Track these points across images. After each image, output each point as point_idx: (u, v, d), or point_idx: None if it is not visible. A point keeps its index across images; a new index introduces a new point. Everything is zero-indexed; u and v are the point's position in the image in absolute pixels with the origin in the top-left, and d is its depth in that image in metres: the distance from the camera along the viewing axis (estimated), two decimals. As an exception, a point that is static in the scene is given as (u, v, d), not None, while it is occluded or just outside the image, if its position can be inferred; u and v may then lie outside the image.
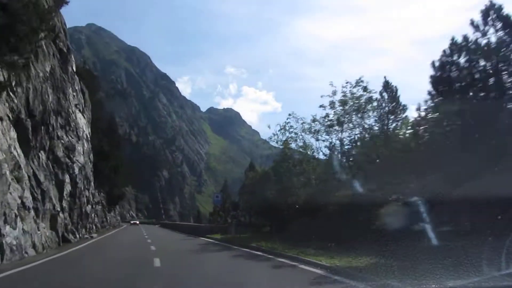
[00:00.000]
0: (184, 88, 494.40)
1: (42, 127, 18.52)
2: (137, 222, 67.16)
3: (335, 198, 18.17)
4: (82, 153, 25.23)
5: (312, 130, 21.53)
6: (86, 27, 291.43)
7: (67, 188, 21.88)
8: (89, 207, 27.32)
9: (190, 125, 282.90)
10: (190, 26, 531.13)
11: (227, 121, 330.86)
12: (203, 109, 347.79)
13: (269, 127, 22.57)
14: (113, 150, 47.30)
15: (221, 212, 31.45)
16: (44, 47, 20.23)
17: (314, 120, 21.68)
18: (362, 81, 20.32)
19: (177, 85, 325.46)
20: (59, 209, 18.62)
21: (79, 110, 29.75)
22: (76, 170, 23.44)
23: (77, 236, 22.31)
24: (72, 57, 28.38)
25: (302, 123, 22.47)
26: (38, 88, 18.13)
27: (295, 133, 22.71)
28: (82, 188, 24.41)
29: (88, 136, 29.15)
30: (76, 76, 30.21)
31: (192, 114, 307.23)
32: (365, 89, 20.24)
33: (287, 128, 22.60)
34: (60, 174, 20.17)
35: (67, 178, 21.96)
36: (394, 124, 20.99)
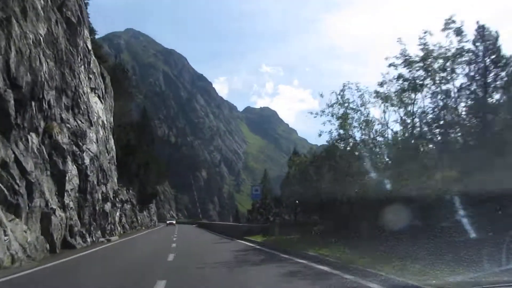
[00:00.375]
0: (221, 88, 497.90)
1: (33, 103, 14.53)
2: (174, 222, 63.35)
3: (417, 188, 12.89)
4: (95, 141, 21.32)
5: (381, 96, 16.13)
6: (124, 32, 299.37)
7: (74, 181, 17.92)
8: (108, 205, 23.41)
9: (228, 125, 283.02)
10: (225, 27, 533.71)
11: (264, 120, 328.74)
12: (240, 108, 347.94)
13: (321, 95, 17.45)
14: (142, 145, 43.85)
15: (261, 209, 26.57)
16: (39, 7, 16.36)
17: (381, 84, 16.32)
18: (453, 21, 14.63)
19: (214, 85, 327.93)
20: (55, 207, 14.54)
21: (97, 95, 26.08)
22: (87, 161, 19.49)
23: (89, 239, 18.30)
24: (86, 32, 24.66)
25: (360, 95, 17.17)
26: (25, 52, 14.14)
27: (352, 109, 17.46)
28: (96, 182, 20.47)
29: (106, 123, 25.31)
30: (92, 56, 26.59)
31: (229, 114, 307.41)
32: (459, 32, 14.54)
33: (343, 101, 17.36)
34: (60, 163, 16.17)
35: (73, 169, 18.00)
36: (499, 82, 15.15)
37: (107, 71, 47.51)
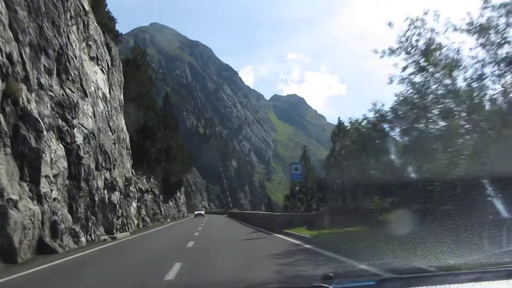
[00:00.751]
0: (247, 78, 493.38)
1: (-21, 52, 10.29)
2: (202, 213, 58.75)
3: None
4: (92, 115, 17.06)
5: (480, 24, 10.76)
6: (150, 27, 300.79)
7: (59, 164, 13.72)
8: (116, 195, 19.27)
9: (256, 114, 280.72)
10: (250, 16, 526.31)
11: (292, 107, 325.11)
12: (267, 97, 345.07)
13: (390, 24, 12.27)
14: (165, 130, 39.80)
15: (301, 194, 21.45)
16: None
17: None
18: None
19: (240, 75, 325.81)
20: (16, 198, 10.28)
21: (100, 67, 21.91)
22: (79, 138, 15.26)
23: (83, 239, 14.15)
24: (80, -11, 20.33)
25: (434, 32, 11.89)
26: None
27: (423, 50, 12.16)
28: (94, 166, 16.24)
29: (109, 97, 21.05)
30: (94, 22, 22.38)
31: (257, 103, 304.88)
32: None
33: (412, 43, 12.14)
34: (32, 139, 11.92)
35: (58, 149, 13.82)
36: None
37: (123, 55, 44.08)
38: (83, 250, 12.38)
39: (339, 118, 22.92)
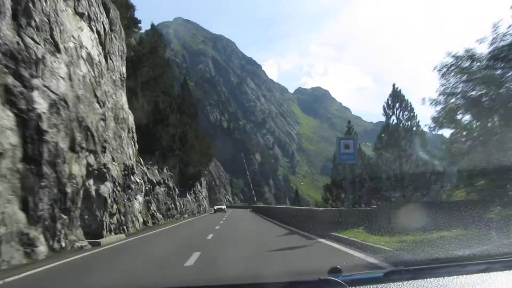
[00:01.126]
0: (271, 71, 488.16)
1: None
2: (223, 207, 50.59)
3: None
4: (66, 77, 12.56)
5: None
6: (173, 21, 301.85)
7: (4, 139, 9.33)
8: (107, 187, 14.80)
9: (279, 107, 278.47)
10: (272, 9, 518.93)
11: (316, 100, 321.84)
12: (291, 90, 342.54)
13: None
14: (174, 109, 35.50)
15: (345, 182, 16.30)
16: None
17: None
18: None
19: (263, 68, 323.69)
20: None
21: (93, 29, 17.57)
22: (42, 106, 10.79)
23: (43, 247, 9.74)
24: None
25: None
26: None
27: None
28: (65, 146, 11.76)
29: (97, 59, 16.50)
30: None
31: (281, 96, 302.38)
32: None
33: None
34: None
35: (2, 118, 9.41)
36: None
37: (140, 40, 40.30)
38: (27, 269, 7.90)
39: (393, 84, 17.93)
